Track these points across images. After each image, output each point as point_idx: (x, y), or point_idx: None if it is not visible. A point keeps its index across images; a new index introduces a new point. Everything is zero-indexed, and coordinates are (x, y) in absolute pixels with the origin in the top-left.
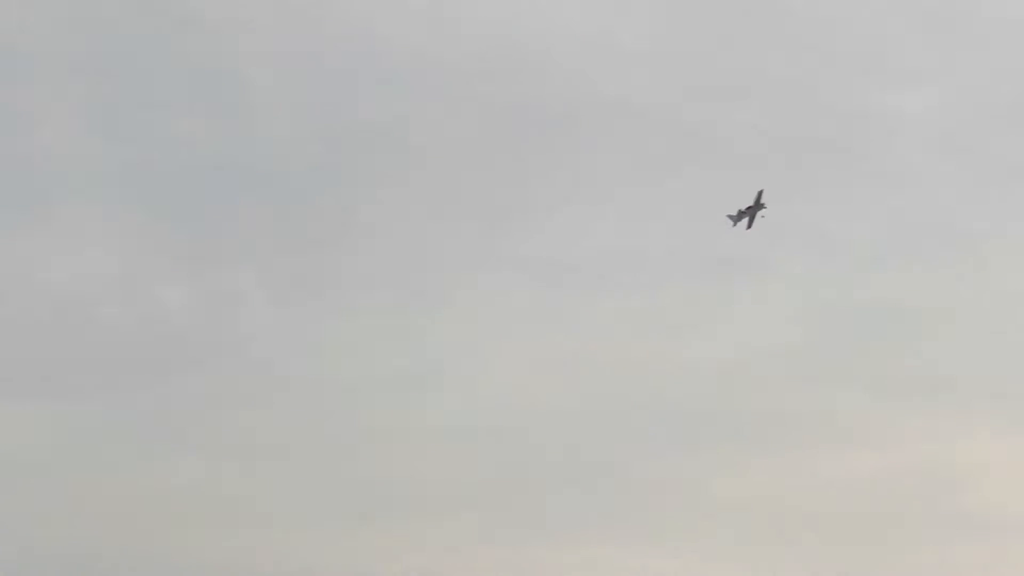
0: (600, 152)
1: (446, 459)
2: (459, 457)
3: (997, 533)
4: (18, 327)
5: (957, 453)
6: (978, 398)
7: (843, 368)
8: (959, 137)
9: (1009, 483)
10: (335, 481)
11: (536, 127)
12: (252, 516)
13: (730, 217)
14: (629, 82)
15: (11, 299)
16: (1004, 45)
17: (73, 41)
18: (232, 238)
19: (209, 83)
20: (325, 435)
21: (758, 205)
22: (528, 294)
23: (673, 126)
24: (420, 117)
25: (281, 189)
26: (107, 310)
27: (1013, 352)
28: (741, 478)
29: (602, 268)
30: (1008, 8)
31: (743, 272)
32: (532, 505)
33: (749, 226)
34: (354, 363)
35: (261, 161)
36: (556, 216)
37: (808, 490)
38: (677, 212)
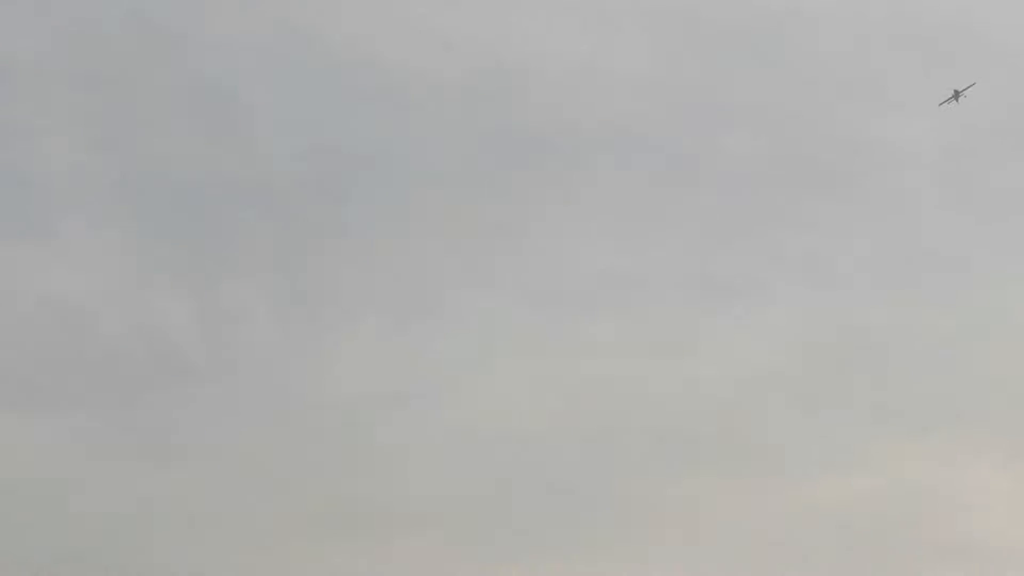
0: (594, 176)
1: (441, 476)
2: (454, 475)
3: (997, 563)
4: (17, 341)
5: (956, 482)
6: (977, 427)
7: (839, 395)
8: (956, 166)
9: (1010, 513)
10: (319, 496)
11: (530, 149)
12: (223, 529)
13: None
14: (623, 106)
15: (10, 312)
16: (1001, 74)
17: (73, 56)
18: (232, 254)
19: (209, 99)
20: (317, 451)
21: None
22: (522, 315)
23: (667, 151)
24: (417, 137)
25: (280, 206)
26: (107, 325)
27: (1011, 382)
28: (735, 503)
29: (595, 291)
30: (1006, 38)
31: (738, 297)
32: (521, 525)
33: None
34: (350, 380)
35: (260, 177)
36: (550, 238)
37: (803, 517)
38: (671, 236)
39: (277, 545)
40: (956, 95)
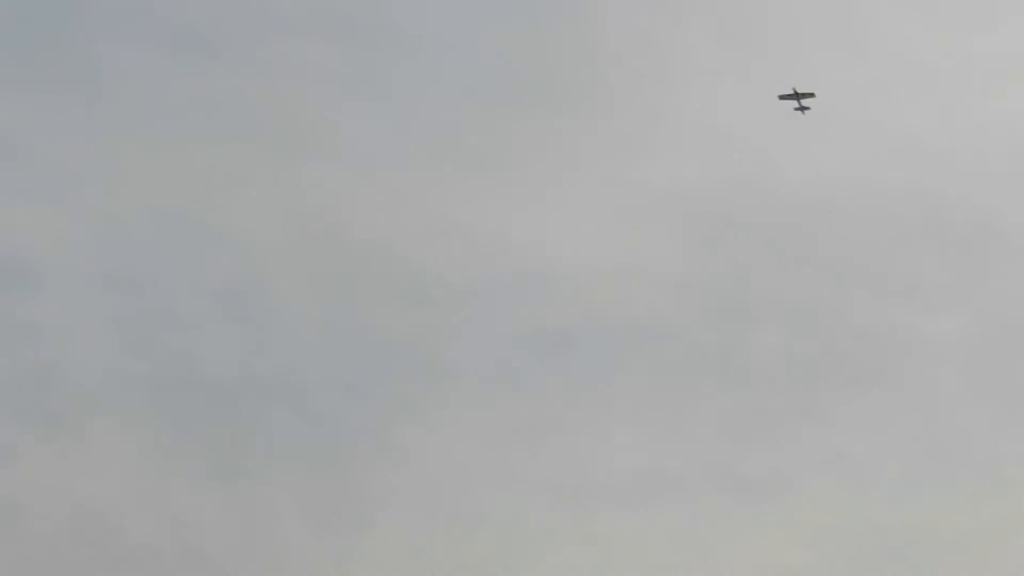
0: (621, 373)
1: None
2: None
3: None
4: (46, 540)
5: None
6: None
7: None
8: (987, 363)
9: None
10: None
11: (558, 348)
12: None
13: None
14: (652, 304)
15: (39, 513)
16: None
17: (100, 255)
18: (263, 455)
19: (236, 298)
20: None
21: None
22: (554, 514)
23: (693, 348)
24: (450, 338)
25: (312, 406)
26: (135, 524)
27: None
28: None
29: (624, 488)
30: None
31: (764, 493)
32: None
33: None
34: None
35: (292, 377)
36: (580, 436)
37: None
38: (698, 433)
39: None
40: (798, 97)
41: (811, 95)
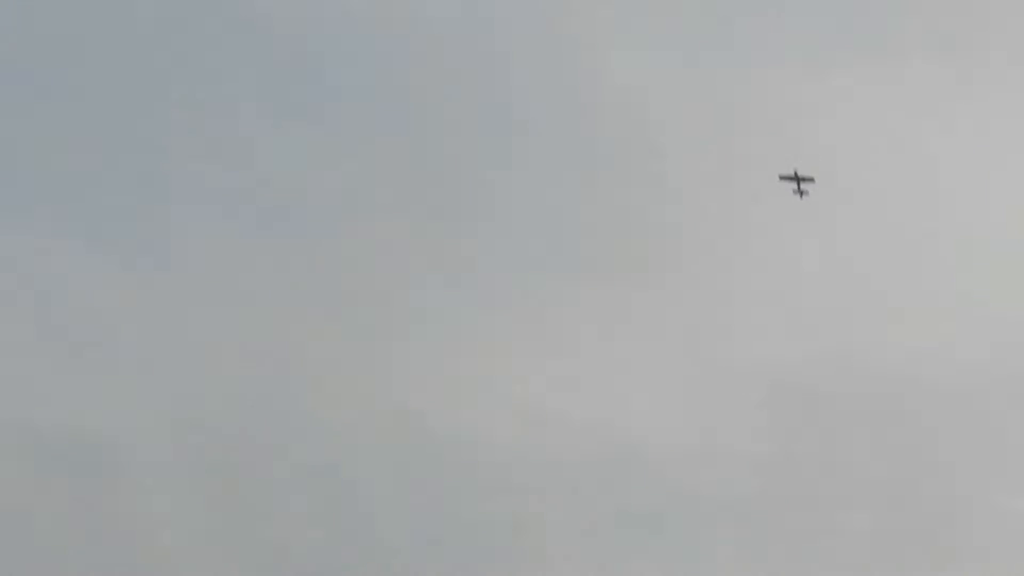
0: (707, 554)
1: None
2: None
3: None
4: None
5: None
6: None
7: None
8: None
9: None
10: None
11: (644, 530)
12: None
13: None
14: (735, 484)
15: None
16: None
17: (175, 442)
18: None
19: (312, 486)
20: None
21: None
22: None
23: (781, 528)
24: (534, 522)
25: None
26: None
27: None
28: None
29: None
30: None
31: None
32: None
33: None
34: None
35: (375, 567)
36: None
37: None
38: None
39: None
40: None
41: (811, 179)
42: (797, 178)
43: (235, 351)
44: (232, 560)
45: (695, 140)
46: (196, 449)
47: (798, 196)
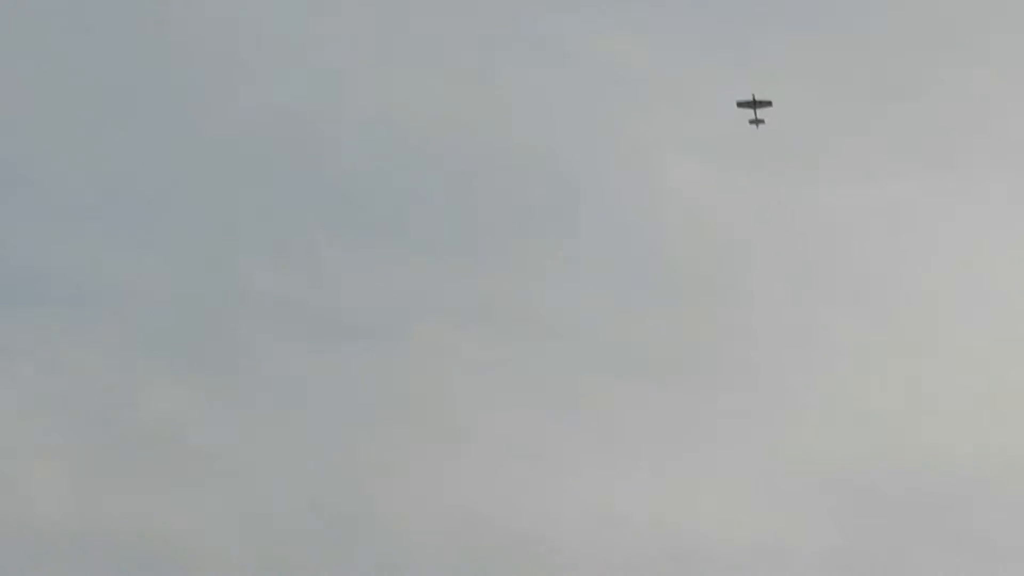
0: None
1: None
2: None
3: None
4: None
5: None
6: None
7: None
8: None
9: None
10: None
11: None
12: None
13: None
14: None
15: None
16: None
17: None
18: None
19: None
20: None
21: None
22: None
23: None
24: None
25: None
26: None
27: None
28: None
29: None
30: None
31: None
32: None
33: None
34: None
35: None
36: None
37: None
38: None
39: None
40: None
41: (768, 103)
42: (755, 102)
43: (304, 455)
44: None
45: (765, 243)
46: (266, 550)
47: (755, 126)
